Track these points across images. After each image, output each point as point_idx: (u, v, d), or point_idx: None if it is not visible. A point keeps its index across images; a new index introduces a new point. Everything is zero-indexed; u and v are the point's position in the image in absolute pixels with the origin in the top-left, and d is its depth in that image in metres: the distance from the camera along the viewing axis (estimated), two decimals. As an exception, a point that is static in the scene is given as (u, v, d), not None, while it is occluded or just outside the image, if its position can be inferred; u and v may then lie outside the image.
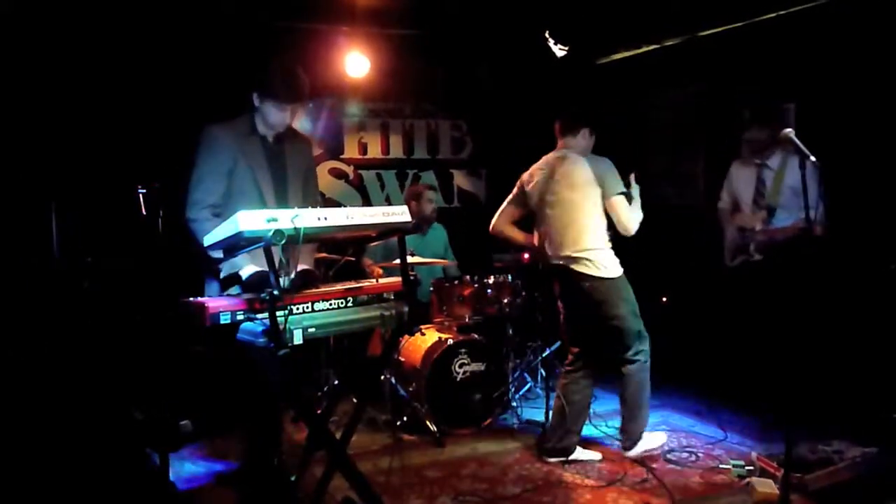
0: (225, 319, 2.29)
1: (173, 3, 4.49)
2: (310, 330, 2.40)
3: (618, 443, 4.07)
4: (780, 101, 4.67)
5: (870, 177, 4.16)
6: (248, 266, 2.91)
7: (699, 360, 4.92)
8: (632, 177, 3.83)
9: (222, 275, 2.99)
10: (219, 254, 2.62)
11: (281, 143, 3.14)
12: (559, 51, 5.17)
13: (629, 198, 3.80)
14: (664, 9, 4.78)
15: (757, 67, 4.91)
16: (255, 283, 2.80)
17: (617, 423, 4.22)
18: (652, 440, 3.92)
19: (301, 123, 5.58)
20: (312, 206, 2.43)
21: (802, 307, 3.31)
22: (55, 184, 4.24)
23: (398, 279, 2.74)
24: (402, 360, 4.52)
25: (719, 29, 4.87)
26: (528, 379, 5.03)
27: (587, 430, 4.34)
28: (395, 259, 4.53)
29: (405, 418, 4.33)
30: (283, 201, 3.07)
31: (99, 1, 4.30)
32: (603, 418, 4.55)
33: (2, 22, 4.04)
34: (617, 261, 3.82)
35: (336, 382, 4.68)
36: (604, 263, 3.74)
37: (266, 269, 2.30)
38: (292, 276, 2.59)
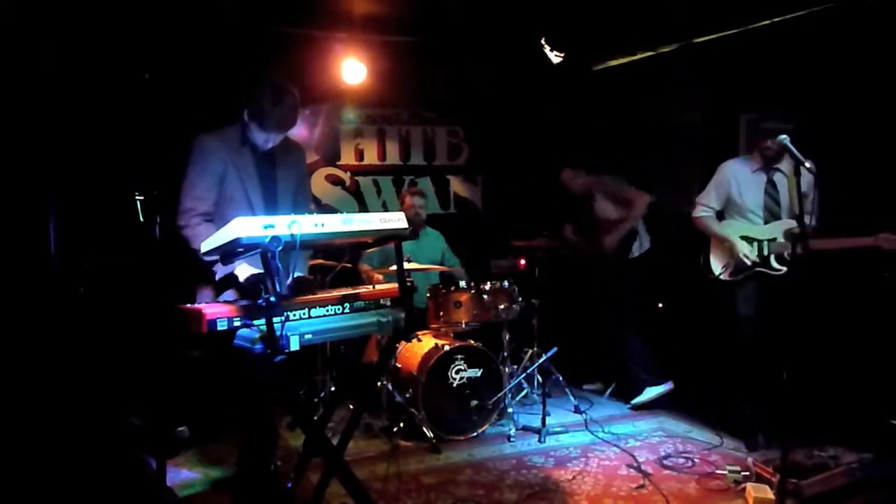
0: (222, 326, 2.29)
1: (175, 9, 4.50)
2: (306, 336, 2.40)
3: (617, 448, 4.13)
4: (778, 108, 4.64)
5: (862, 183, 4.18)
6: (243, 267, 2.90)
7: (695, 366, 4.93)
8: None
9: (217, 276, 2.98)
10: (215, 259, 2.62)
11: (272, 153, 3.14)
12: (555, 57, 5.19)
13: None
14: (660, 16, 4.80)
15: (752, 74, 4.93)
16: (253, 286, 2.79)
17: (615, 428, 4.51)
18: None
19: (297, 130, 5.58)
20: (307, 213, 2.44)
21: (803, 315, 3.30)
22: (54, 187, 4.24)
23: (395, 285, 2.74)
24: (399, 366, 4.52)
25: (714, 36, 4.89)
26: (525, 385, 5.02)
27: (584, 438, 4.36)
28: (391, 265, 4.54)
29: (402, 424, 4.32)
30: (271, 209, 3.08)
31: (102, 6, 4.30)
32: (599, 424, 4.56)
33: (3, 24, 4.04)
34: None
35: (333, 388, 4.68)
36: None
37: (262, 270, 2.30)
38: (288, 282, 2.60)
